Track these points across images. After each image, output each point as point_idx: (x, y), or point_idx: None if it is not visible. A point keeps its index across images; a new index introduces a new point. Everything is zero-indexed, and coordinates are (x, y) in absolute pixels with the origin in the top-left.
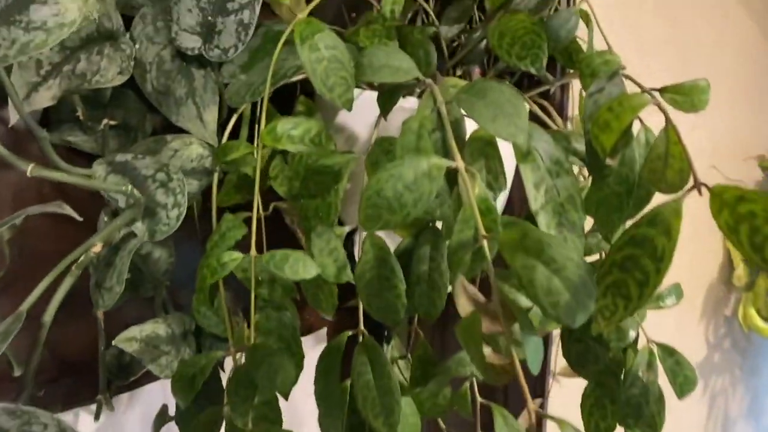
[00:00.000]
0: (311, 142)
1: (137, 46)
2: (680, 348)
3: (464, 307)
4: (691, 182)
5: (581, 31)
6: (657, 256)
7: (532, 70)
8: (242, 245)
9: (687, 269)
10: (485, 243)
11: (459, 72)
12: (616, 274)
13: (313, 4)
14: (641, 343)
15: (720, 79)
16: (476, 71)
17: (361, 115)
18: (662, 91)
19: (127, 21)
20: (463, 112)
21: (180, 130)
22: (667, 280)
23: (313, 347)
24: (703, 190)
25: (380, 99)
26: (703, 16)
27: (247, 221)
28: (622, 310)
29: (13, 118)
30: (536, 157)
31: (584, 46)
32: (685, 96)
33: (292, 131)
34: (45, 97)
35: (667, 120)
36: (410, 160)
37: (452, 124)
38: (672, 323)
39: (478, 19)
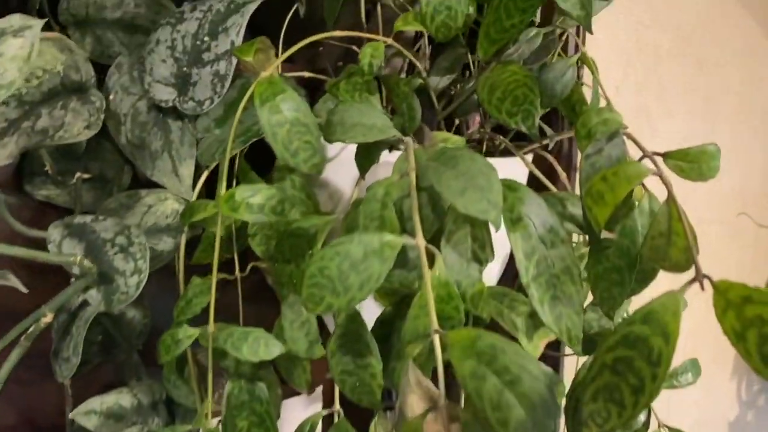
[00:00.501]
0: (272, 212)
1: (112, 96)
2: (709, 406)
3: (412, 406)
4: (693, 272)
5: (591, 77)
6: (652, 360)
7: (523, 129)
8: (223, 305)
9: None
10: (436, 338)
11: (457, 122)
12: (608, 377)
13: (278, 61)
14: (653, 425)
15: (750, 120)
16: (476, 120)
17: (345, 170)
18: (666, 156)
19: (104, 70)
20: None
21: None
22: (696, 331)
23: (305, 408)
24: (706, 284)
25: (357, 157)
26: (733, 56)
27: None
28: (616, 418)
29: None
30: (527, 224)
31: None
32: (692, 163)
33: (251, 199)
34: (0, 156)
35: (669, 194)
36: (360, 235)
37: (427, 191)
38: (699, 379)
39: (474, 65)
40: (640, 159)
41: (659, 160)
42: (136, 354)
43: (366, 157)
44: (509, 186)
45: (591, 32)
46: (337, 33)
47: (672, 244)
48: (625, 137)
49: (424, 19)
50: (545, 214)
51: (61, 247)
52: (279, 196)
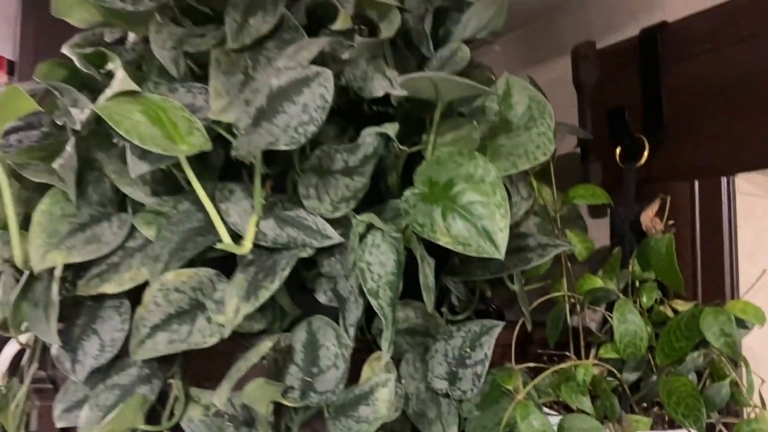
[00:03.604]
0: None
1: (403, 381)
2: None
3: None
4: None
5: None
6: None
7: (693, 430)
8: None
9: None
10: None
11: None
12: None
13: (519, 396)
14: None
15: None
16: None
17: None
18: None
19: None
20: None
21: None
22: None
23: None
24: None
25: None
26: None
27: None
28: None
29: None
30: None
31: None
32: None
33: None
34: None
35: None
36: None
37: None
38: None
39: (654, 364)
40: None
41: None
42: None
43: None
44: None
45: (740, 358)
46: (555, 367)
47: None
48: None
49: (618, 352)
50: None
51: None
52: None
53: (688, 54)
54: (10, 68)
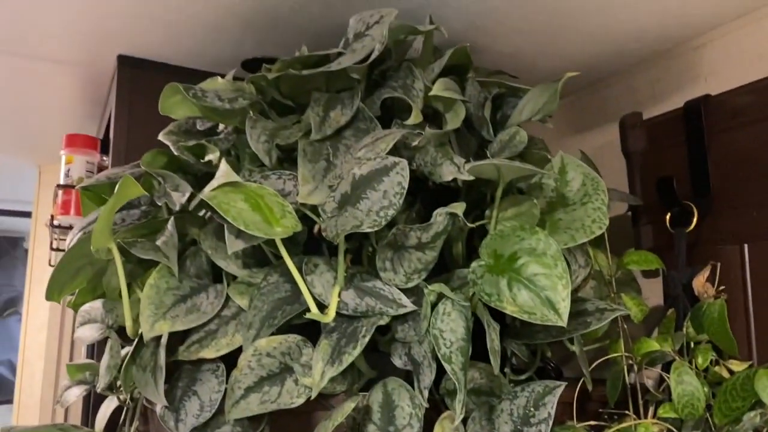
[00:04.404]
0: None
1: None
2: None
3: None
4: None
5: None
6: None
7: None
8: None
9: None
10: None
11: None
12: None
13: None
14: None
15: None
16: None
17: None
18: None
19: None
20: None
21: None
22: None
23: None
24: None
25: None
26: None
27: None
28: None
29: None
30: None
31: None
32: None
33: None
34: None
35: None
36: None
37: None
38: None
39: (712, 425)
40: None
41: None
42: None
43: None
44: None
45: None
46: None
47: None
48: None
49: (676, 412)
50: None
51: None
52: None
53: (731, 125)
54: (103, 147)
